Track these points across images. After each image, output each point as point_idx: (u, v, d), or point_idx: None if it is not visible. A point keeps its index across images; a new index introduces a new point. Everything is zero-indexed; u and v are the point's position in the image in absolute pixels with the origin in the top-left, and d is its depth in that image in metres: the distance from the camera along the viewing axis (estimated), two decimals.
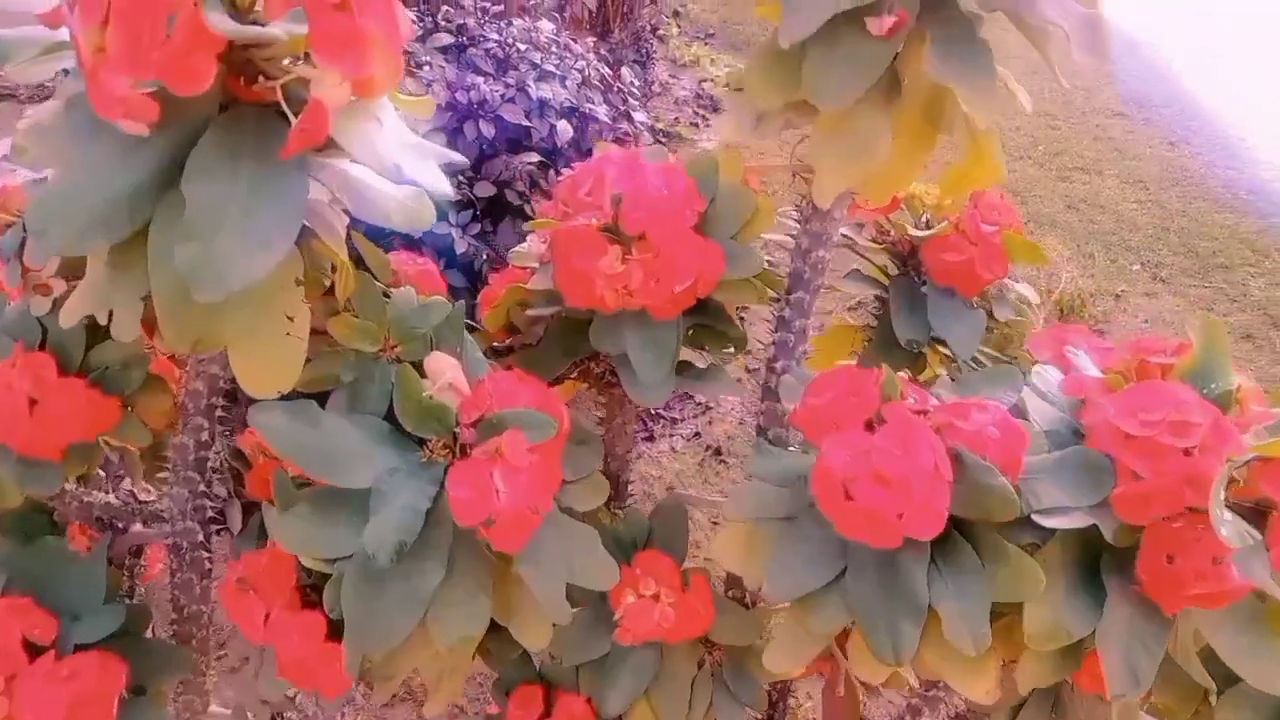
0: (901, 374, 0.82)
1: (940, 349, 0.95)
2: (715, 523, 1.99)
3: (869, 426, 0.61)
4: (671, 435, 2.17)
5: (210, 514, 0.85)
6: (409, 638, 0.67)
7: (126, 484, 1.00)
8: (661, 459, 2.07)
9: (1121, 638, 0.60)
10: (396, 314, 0.74)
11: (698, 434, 2.18)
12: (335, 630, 0.70)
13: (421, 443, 0.70)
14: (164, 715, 0.87)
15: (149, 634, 0.92)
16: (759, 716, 0.94)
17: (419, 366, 0.72)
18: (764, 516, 0.66)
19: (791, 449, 0.74)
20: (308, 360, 0.73)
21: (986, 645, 0.59)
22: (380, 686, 0.71)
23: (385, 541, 0.64)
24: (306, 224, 0.67)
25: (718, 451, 2.12)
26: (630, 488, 0.99)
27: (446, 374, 0.70)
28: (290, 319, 0.65)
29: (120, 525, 0.94)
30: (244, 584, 0.72)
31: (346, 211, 0.68)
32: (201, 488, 0.82)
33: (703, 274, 0.70)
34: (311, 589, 0.72)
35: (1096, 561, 0.61)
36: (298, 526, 0.67)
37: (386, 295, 0.76)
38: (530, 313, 0.79)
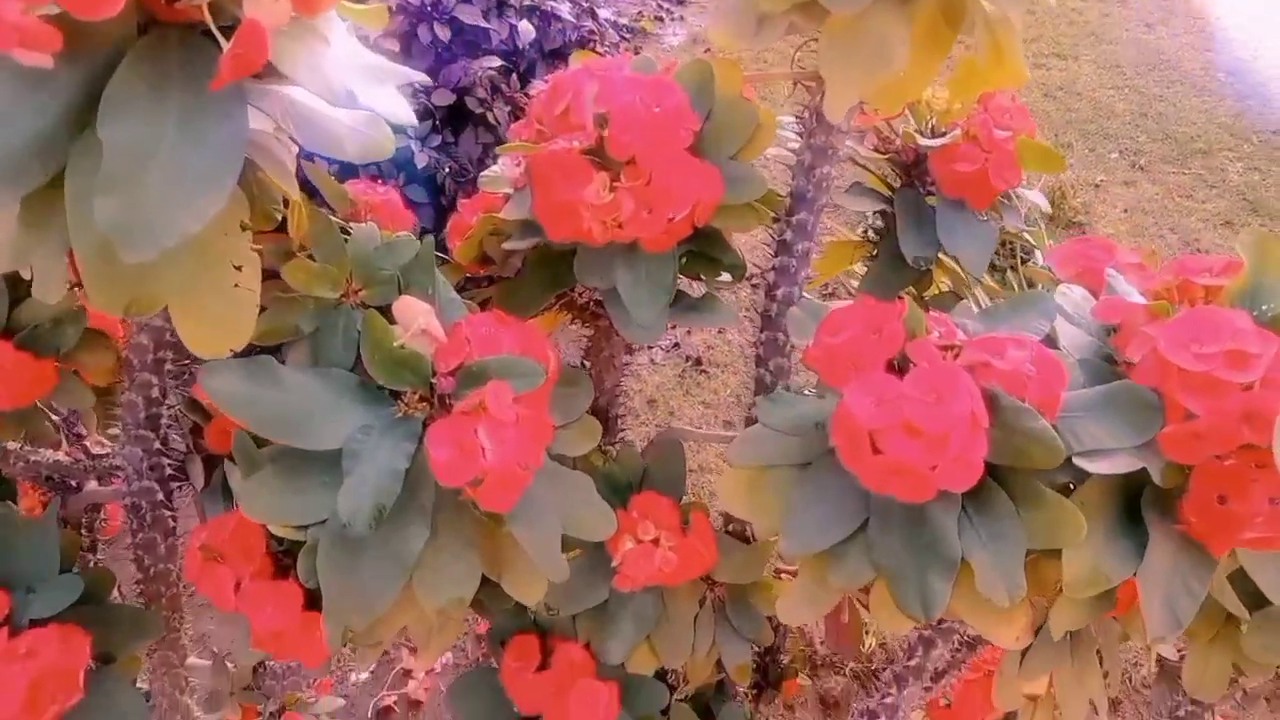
0: (909, 293, 0.77)
1: (946, 262, 0.89)
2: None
3: (892, 367, 0.56)
4: (650, 347, 2.12)
5: (169, 470, 0.78)
6: (394, 602, 0.62)
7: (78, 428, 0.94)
8: (641, 371, 2.02)
9: (1163, 580, 0.56)
10: (358, 254, 0.66)
11: (676, 344, 2.13)
12: (313, 599, 0.65)
13: (396, 396, 0.63)
14: (135, 681, 0.83)
15: (117, 593, 0.87)
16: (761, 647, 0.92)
17: (386, 312, 0.65)
18: (774, 464, 0.61)
19: (795, 387, 0.68)
20: (261, 310, 0.66)
21: (1022, 596, 0.54)
22: (364, 652, 0.66)
23: (361, 507, 0.58)
24: (250, 159, 0.59)
25: (698, 362, 2.07)
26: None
27: (418, 319, 0.63)
28: (238, 268, 0.58)
29: (73, 484, 0.88)
30: (209, 552, 0.66)
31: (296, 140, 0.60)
32: (157, 445, 0.75)
33: (700, 200, 0.63)
34: (284, 554, 0.67)
35: (1136, 500, 0.57)
36: (263, 493, 0.61)
37: (346, 232, 0.69)
38: (507, 245, 0.72)
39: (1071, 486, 0.57)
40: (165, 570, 0.83)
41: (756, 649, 0.85)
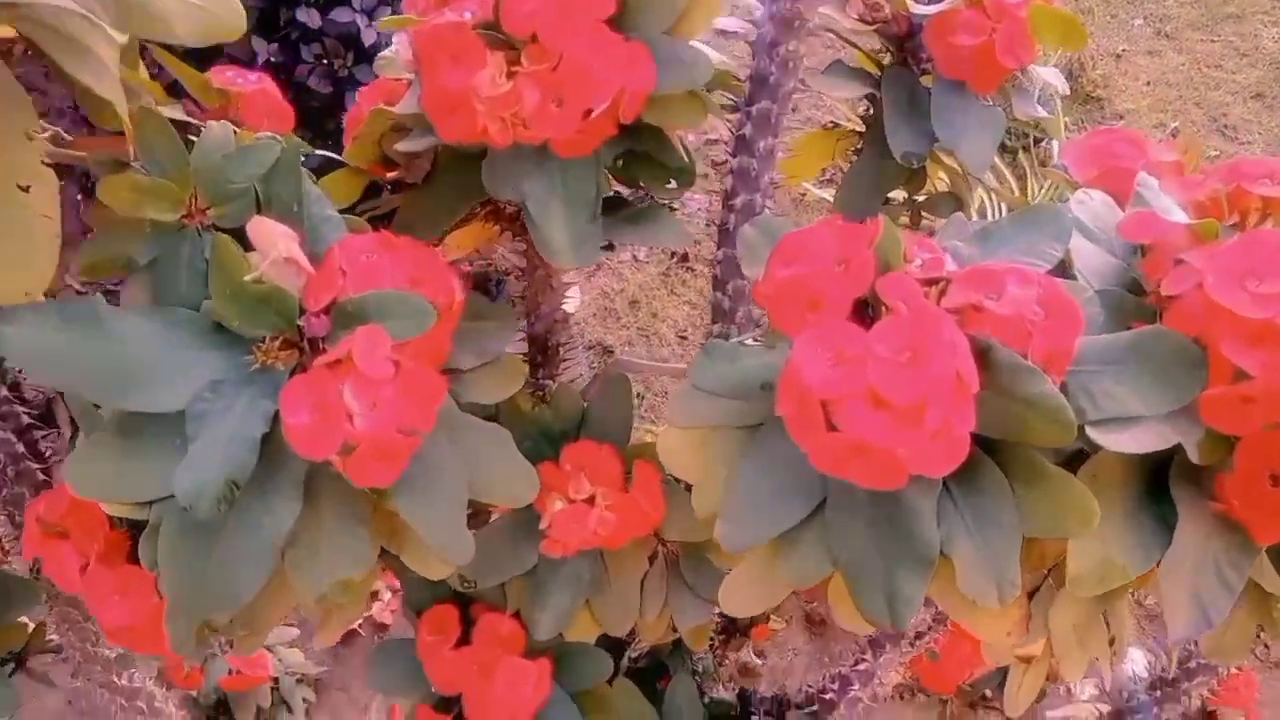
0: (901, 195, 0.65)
1: (943, 156, 0.76)
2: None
3: (861, 309, 0.44)
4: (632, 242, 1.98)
5: (30, 418, 0.68)
6: (267, 585, 0.52)
7: None
8: (622, 269, 1.89)
9: (1192, 572, 0.45)
10: (205, 163, 0.53)
11: None
12: None
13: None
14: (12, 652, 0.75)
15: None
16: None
17: (243, 236, 0.53)
18: (718, 424, 0.50)
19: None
20: (86, 235, 0.54)
21: (1015, 595, 0.44)
22: (241, 642, 0.56)
23: (206, 485, 0.48)
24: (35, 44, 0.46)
25: (684, 258, 1.93)
26: (578, 314, 0.82)
27: (278, 244, 0.51)
28: (25, 189, 0.45)
29: None
30: (49, 527, 0.56)
31: None
32: (3, 392, 0.64)
33: (625, 89, 0.50)
34: (138, 530, 0.56)
35: (1160, 472, 0.46)
36: (97, 462, 0.51)
37: (196, 134, 0.56)
38: (401, 146, 0.59)
39: (1082, 451, 0.46)
40: None
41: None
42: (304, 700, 1.38)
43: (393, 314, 0.50)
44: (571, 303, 1.80)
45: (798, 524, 0.45)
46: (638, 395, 1.65)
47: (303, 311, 0.52)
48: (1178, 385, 0.41)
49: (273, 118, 0.64)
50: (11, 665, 0.76)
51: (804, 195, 2.04)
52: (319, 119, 1.51)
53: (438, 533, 0.52)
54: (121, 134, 0.54)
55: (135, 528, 0.56)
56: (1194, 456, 0.42)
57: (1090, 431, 0.42)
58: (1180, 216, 0.46)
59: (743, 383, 0.45)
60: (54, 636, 0.86)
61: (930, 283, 0.44)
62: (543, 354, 0.75)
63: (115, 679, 0.94)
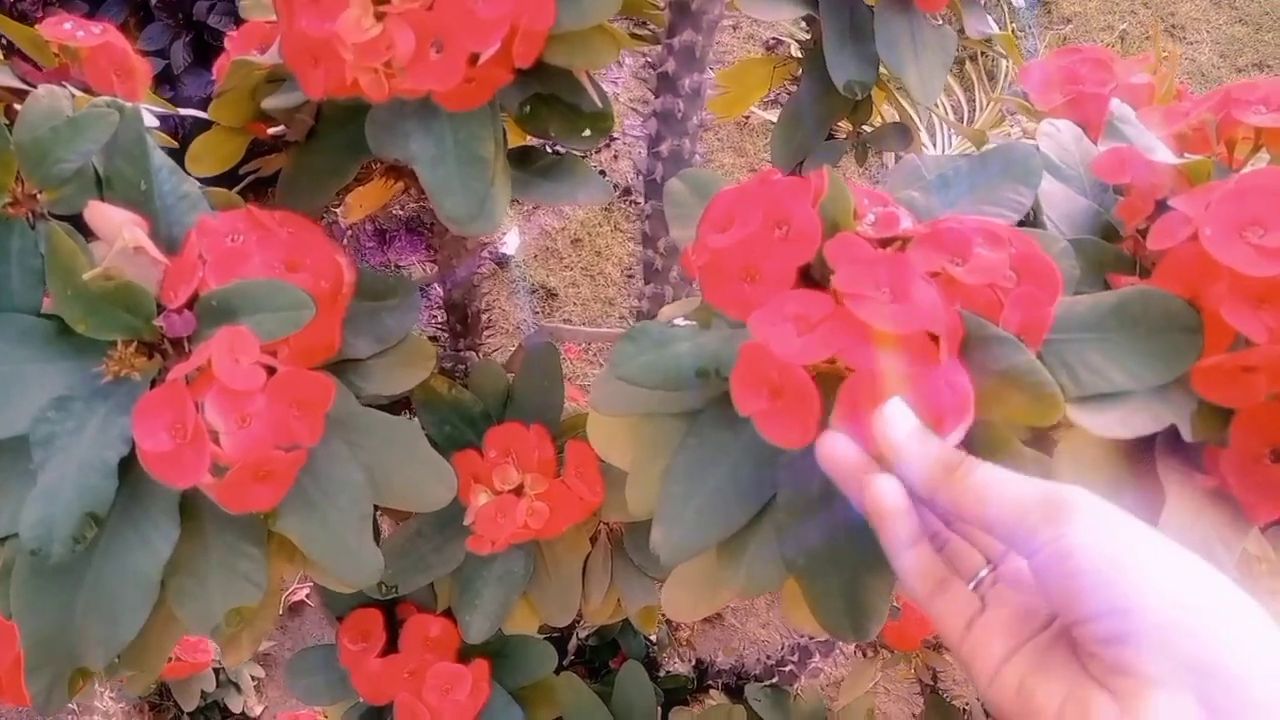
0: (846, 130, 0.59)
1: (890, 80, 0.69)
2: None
3: (806, 278, 0.37)
4: None
5: None
6: (153, 617, 0.46)
7: None
8: (562, 207, 1.80)
9: None
10: (31, 140, 0.45)
11: (602, 172, 1.90)
12: None
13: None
14: None
15: None
16: None
17: (82, 224, 0.45)
18: (651, 412, 0.44)
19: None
20: None
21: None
22: (131, 683, 0.50)
23: (59, 522, 0.41)
24: None
25: (627, 191, 1.85)
26: (518, 256, 0.75)
27: (122, 231, 0.43)
28: None
29: None
30: None
31: None
32: None
33: (518, 28, 0.42)
34: None
35: (1143, 444, 0.40)
36: None
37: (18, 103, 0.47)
38: (269, 104, 0.51)
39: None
40: None
41: None
42: (253, 678, 1.33)
43: (263, 307, 0.43)
44: (510, 244, 1.72)
45: (744, 527, 0.40)
46: (584, 346, 1.58)
47: (162, 309, 0.44)
48: (1170, 355, 0.36)
49: (123, 76, 0.55)
50: None
51: (748, 119, 1.95)
52: None
53: (336, 554, 0.46)
54: None
55: None
56: (1188, 435, 0.36)
57: (1071, 411, 0.36)
58: (1163, 153, 0.40)
59: (675, 371, 0.39)
60: None
61: (885, 243, 0.38)
62: (462, 323, 0.68)
63: None
